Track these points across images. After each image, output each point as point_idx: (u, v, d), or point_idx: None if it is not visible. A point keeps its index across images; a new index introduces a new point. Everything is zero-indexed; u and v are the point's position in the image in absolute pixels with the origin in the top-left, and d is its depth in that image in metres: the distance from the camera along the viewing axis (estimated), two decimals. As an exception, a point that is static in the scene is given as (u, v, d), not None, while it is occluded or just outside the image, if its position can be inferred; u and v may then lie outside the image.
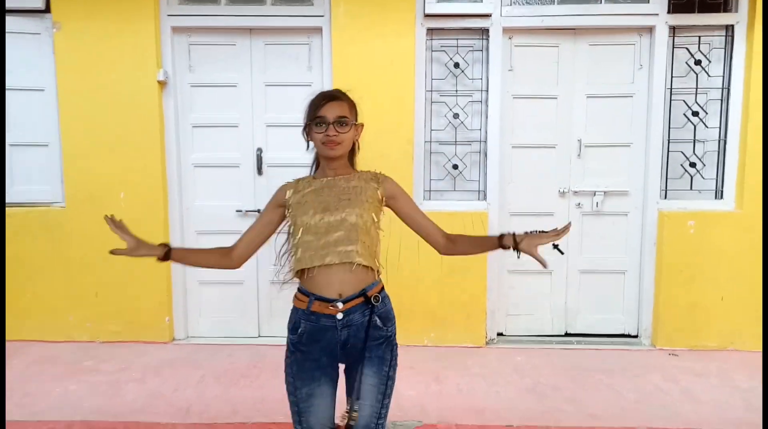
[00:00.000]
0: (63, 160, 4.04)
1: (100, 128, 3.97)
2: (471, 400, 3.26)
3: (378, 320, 1.81)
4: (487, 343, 4.13)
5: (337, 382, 1.85)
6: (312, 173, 1.96)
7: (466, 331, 4.09)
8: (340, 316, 1.76)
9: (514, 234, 1.83)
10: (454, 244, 1.91)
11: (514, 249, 1.83)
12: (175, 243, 4.11)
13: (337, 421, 1.84)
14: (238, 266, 1.96)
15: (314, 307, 1.78)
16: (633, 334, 4.22)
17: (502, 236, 1.85)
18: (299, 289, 1.85)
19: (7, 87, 4.00)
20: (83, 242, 4.05)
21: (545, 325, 4.26)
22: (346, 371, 1.87)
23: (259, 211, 4.08)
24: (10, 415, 3.07)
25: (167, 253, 1.90)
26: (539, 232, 1.82)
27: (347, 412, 1.77)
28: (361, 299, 1.78)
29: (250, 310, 4.27)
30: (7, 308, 4.12)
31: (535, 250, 1.80)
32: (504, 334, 4.26)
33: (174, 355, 3.96)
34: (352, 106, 1.88)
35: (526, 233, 1.83)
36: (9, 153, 4.10)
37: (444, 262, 3.98)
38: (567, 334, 4.25)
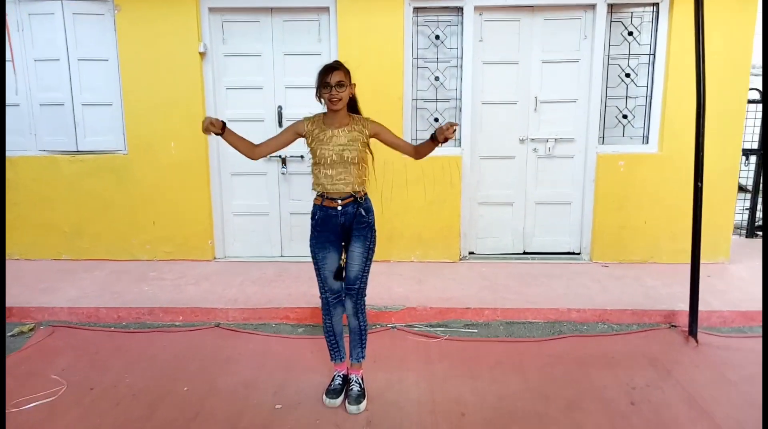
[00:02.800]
0: (125, 116, 5.09)
1: (154, 91, 5.00)
2: (443, 293, 4.39)
3: (362, 211, 2.92)
4: (460, 259, 5.25)
5: (340, 251, 2.97)
6: (322, 119, 2.94)
7: (444, 250, 5.21)
8: (339, 208, 2.87)
9: (434, 132, 2.80)
10: (417, 152, 2.93)
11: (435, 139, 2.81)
12: (215, 182, 5.22)
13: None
14: (256, 159, 2.97)
15: (325, 203, 2.88)
16: (576, 252, 5.33)
17: (432, 136, 2.83)
18: (317, 194, 2.93)
19: (79, 58, 5.03)
20: (142, 182, 5.15)
21: (507, 245, 5.37)
22: (344, 244, 2.98)
23: (280, 156, 5.15)
24: (108, 304, 4.22)
25: (224, 130, 2.78)
26: (444, 126, 2.75)
27: (342, 260, 2.95)
28: (352, 199, 2.89)
29: (274, 236, 5.38)
30: (83, 234, 5.25)
31: (440, 136, 2.73)
32: (474, 252, 5.38)
33: (217, 268, 5.10)
34: (347, 72, 2.85)
35: (436, 130, 2.78)
36: (82, 111, 5.15)
37: (426, 196, 5.06)
38: (525, 253, 5.37)
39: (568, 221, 5.30)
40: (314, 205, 2.94)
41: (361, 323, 3.02)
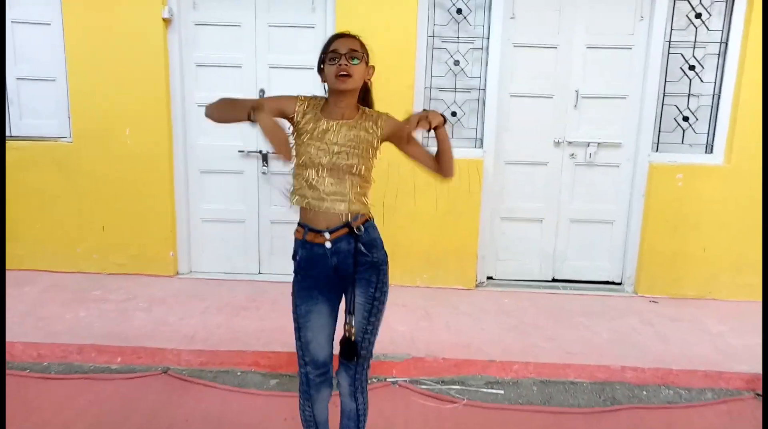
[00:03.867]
0: (70, 95, 4.12)
1: (106, 64, 4.04)
2: (458, 336, 3.47)
3: (362, 247, 1.98)
4: (476, 286, 4.32)
5: (336, 305, 2.04)
6: (320, 105, 2.02)
7: (457, 274, 4.27)
8: (328, 244, 1.95)
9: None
10: (438, 163, 2.04)
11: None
12: (180, 181, 4.27)
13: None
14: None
15: (308, 237, 1.97)
16: (617, 281, 4.41)
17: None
18: (298, 223, 2.02)
19: (13, 19, 4.05)
20: (91, 176, 4.19)
21: (533, 270, 4.44)
22: (345, 293, 2.06)
23: (260, 151, 4.20)
24: (27, 336, 3.30)
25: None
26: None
27: (346, 325, 1.99)
28: (346, 230, 1.96)
29: (251, 248, 4.44)
30: (18, 239, 4.30)
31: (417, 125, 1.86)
32: (493, 277, 4.44)
33: (178, 288, 4.16)
34: (363, 45, 1.99)
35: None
36: (17, 86, 4.19)
37: (438, 206, 4.13)
38: (554, 280, 4.44)
39: (609, 244, 4.37)
40: (295, 239, 2.03)
41: (360, 406, 2.10)
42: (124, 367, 3.22)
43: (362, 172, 1.95)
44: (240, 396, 2.97)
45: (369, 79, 2.04)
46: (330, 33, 3.97)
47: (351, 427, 2.12)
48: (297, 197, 1.97)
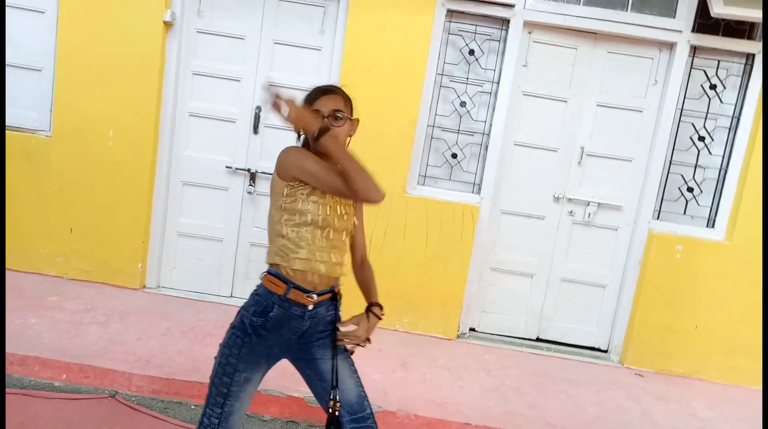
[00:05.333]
0: (55, 88, 3.91)
1: (98, 60, 3.83)
2: (434, 391, 3.24)
3: (334, 313, 1.89)
4: (458, 336, 4.10)
5: (262, 376, 1.86)
6: None
7: (440, 321, 4.05)
8: (311, 307, 1.79)
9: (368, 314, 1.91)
10: (361, 269, 2.01)
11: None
12: (160, 191, 4.05)
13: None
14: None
15: (291, 294, 1.77)
16: (603, 348, 4.21)
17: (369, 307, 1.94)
18: (273, 274, 1.80)
19: (6, 3, 3.84)
20: (65, 175, 3.95)
21: (518, 327, 4.23)
22: (296, 364, 1.91)
23: (249, 170, 4.00)
24: (-35, 340, 3.00)
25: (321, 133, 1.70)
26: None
27: (331, 402, 1.79)
28: (330, 295, 1.85)
29: (226, 269, 4.19)
30: (-23, 231, 4.02)
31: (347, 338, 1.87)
32: (476, 330, 4.23)
33: (143, 303, 3.89)
34: (347, 100, 1.86)
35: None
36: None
37: (428, 248, 3.93)
38: (538, 339, 4.23)
39: (599, 309, 4.18)
40: (269, 292, 1.78)
41: None
42: (69, 385, 2.94)
43: (353, 226, 1.88)
44: (190, 434, 2.70)
45: (352, 135, 1.89)
46: (337, 58, 3.87)
47: None
48: (297, 261, 1.76)
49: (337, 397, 1.79)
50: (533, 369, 3.76)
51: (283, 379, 3.08)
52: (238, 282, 4.20)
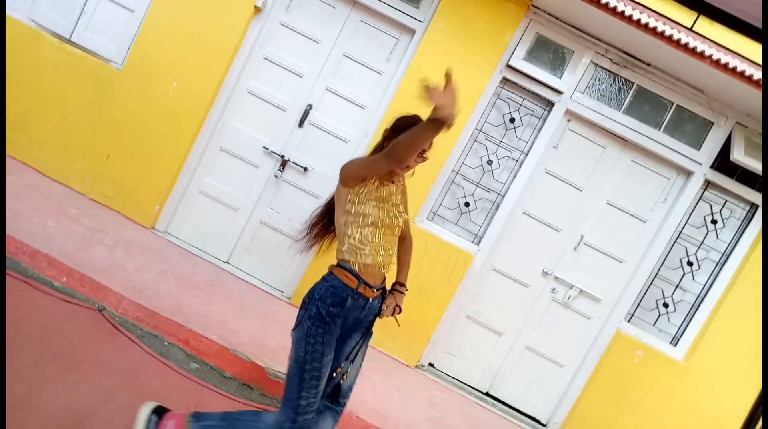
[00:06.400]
0: (140, 31, 4.27)
1: (186, 20, 4.20)
2: (380, 403, 3.48)
3: (381, 304, 2.29)
4: (416, 366, 4.35)
5: None
6: None
7: (405, 349, 4.30)
8: (371, 299, 2.17)
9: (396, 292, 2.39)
10: (402, 243, 2.44)
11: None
12: (198, 149, 4.37)
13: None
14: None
15: (361, 289, 2.11)
16: (543, 422, 4.43)
17: (396, 285, 2.41)
18: (346, 268, 2.11)
19: (125, -56, 4.24)
20: (121, 107, 4.28)
21: (473, 377, 4.47)
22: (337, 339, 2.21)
23: (282, 156, 4.31)
24: (-9, 218, 3.29)
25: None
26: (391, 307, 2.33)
27: (340, 370, 2.17)
28: (381, 291, 2.25)
29: (231, 237, 4.46)
30: (26, 130, 4.34)
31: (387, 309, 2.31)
32: (434, 366, 4.47)
33: (148, 240, 4.17)
34: None
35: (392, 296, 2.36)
36: (96, 1, 4.33)
37: (416, 280, 4.20)
38: (487, 394, 4.46)
39: (551, 385, 4.42)
40: (344, 284, 2.09)
41: None
42: (66, 289, 3.21)
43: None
44: (157, 364, 2.95)
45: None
46: (393, 86, 4.22)
47: None
48: (367, 256, 2.10)
49: (349, 369, 2.14)
50: (474, 417, 3.99)
51: (255, 347, 3.36)
52: (237, 251, 4.47)
